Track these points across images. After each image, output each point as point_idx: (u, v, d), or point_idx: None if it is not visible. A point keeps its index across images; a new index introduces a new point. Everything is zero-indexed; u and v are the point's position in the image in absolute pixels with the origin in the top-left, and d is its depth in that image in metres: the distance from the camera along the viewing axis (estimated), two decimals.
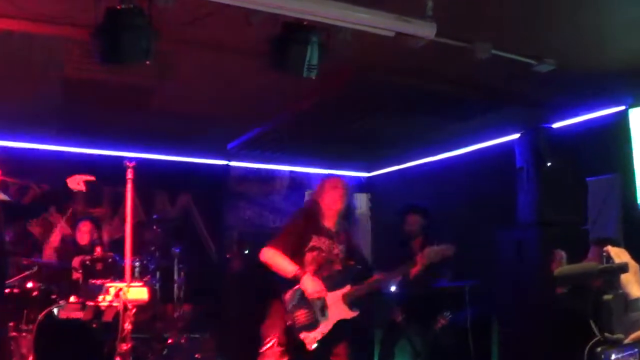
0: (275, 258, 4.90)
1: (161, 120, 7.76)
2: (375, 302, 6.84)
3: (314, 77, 4.67)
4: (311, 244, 4.98)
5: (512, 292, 6.45)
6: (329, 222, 5.13)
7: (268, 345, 4.91)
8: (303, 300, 4.83)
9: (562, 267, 5.19)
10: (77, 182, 6.58)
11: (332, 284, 4.95)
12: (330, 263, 5.03)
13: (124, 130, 8.26)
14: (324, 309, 4.87)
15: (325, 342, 4.90)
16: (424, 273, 7.33)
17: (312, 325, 4.84)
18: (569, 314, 4.70)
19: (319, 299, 4.81)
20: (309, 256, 4.97)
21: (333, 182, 5.21)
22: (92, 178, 6.74)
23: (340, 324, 4.95)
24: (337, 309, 4.93)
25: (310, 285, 4.79)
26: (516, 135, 6.87)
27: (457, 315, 6.71)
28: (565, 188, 6.33)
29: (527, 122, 6.89)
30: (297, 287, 4.84)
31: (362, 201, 10.93)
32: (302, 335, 4.80)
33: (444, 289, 6.90)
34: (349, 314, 4.99)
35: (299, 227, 5.06)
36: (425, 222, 7.15)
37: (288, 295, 4.85)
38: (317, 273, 4.95)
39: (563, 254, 5.38)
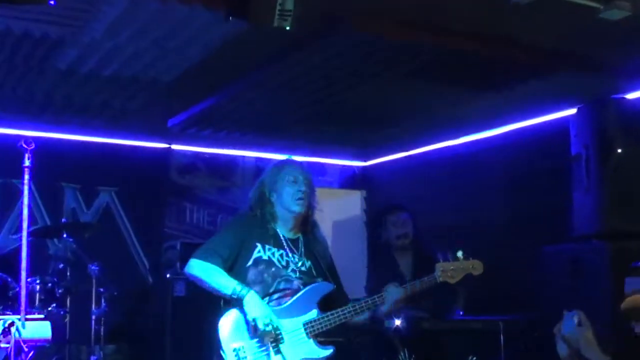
0: (206, 271, 4.85)
1: (73, 86, 7.70)
2: (371, 341, 6.81)
3: (288, 29, 4.63)
4: (255, 255, 4.91)
5: None
6: (284, 225, 5.09)
7: None
8: (248, 327, 4.76)
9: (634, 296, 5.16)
10: None
11: (289, 310, 4.88)
12: (285, 281, 4.96)
13: (19, 99, 8.16)
14: (277, 343, 4.77)
15: None
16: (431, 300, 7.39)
17: None
18: None
19: (267, 329, 4.72)
20: (252, 273, 4.90)
21: (289, 170, 5.15)
22: None
23: None
24: (299, 345, 4.84)
25: (254, 306, 4.71)
26: (572, 111, 6.87)
27: None
28: None
29: (588, 92, 6.90)
30: (237, 308, 4.77)
31: (354, 201, 10.92)
32: None
33: (468, 324, 6.89)
34: (316, 352, 4.89)
35: (237, 233, 5.00)
36: (414, 226, 7.23)
37: (225, 321, 4.78)
38: (265, 295, 4.87)
39: None
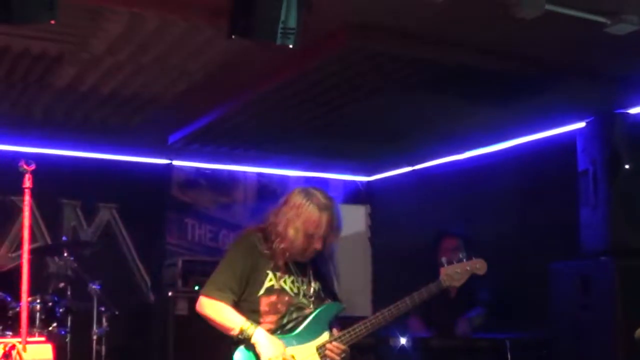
0: (215, 310, 4.76)
1: (74, 103, 7.71)
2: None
3: (291, 46, 4.62)
4: (267, 285, 4.85)
5: (574, 349, 6.38)
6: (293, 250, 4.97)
7: None
8: None
9: None
10: None
11: (301, 336, 4.85)
12: (298, 309, 4.90)
13: (18, 115, 8.18)
14: None
15: None
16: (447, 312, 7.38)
17: None
18: None
19: None
20: (265, 302, 4.83)
21: (322, 221, 4.99)
22: None
23: None
24: None
25: (265, 345, 4.66)
26: (580, 125, 6.84)
27: None
28: None
29: (595, 107, 6.83)
30: (246, 345, 4.73)
31: (358, 216, 10.89)
32: None
33: (475, 343, 6.88)
34: None
35: (246, 259, 4.86)
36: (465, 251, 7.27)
37: (239, 357, 4.74)
38: (278, 328, 4.83)
39: None
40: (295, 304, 4.84)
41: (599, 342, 6.12)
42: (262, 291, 4.76)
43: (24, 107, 7.87)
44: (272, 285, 4.79)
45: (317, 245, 4.79)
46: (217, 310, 4.74)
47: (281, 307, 4.79)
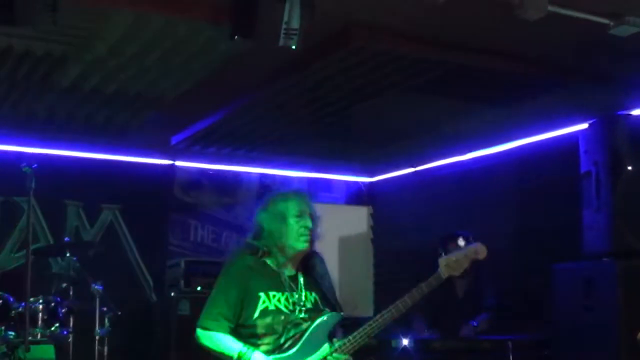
0: (213, 341, 4.76)
1: (77, 103, 7.73)
2: None
3: (294, 48, 4.63)
4: (261, 307, 4.83)
5: (576, 350, 6.36)
6: (284, 263, 4.94)
7: None
8: None
9: None
10: None
11: (301, 353, 4.82)
12: (295, 326, 4.88)
13: (21, 116, 8.18)
14: None
15: None
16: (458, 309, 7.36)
17: None
18: None
19: None
20: (261, 325, 4.82)
21: (295, 202, 5.01)
22: None
23: None
24: None
25: None
26: (582, 127, 6.81)
27: None
28: None
29: (598, 108, 6.84)
30: None
31: (360, 217, 10.88)
32: None
33: (477, 344, 6.86)
34: None
35: (239, 285, 4.82)
36: None
37: None
38: (276, 348, 4.81)
39: None
40: (292, 321, 4.79)
41: (601, 343, 6.11)
42: (256, 314, 4.72)
43: (27, 107, 7.88)
44: (266, 307, 4.75)
45: (307, 222, 4.81)
46: (214, 341, 4.72)
47: (277, 327, 4.75)
